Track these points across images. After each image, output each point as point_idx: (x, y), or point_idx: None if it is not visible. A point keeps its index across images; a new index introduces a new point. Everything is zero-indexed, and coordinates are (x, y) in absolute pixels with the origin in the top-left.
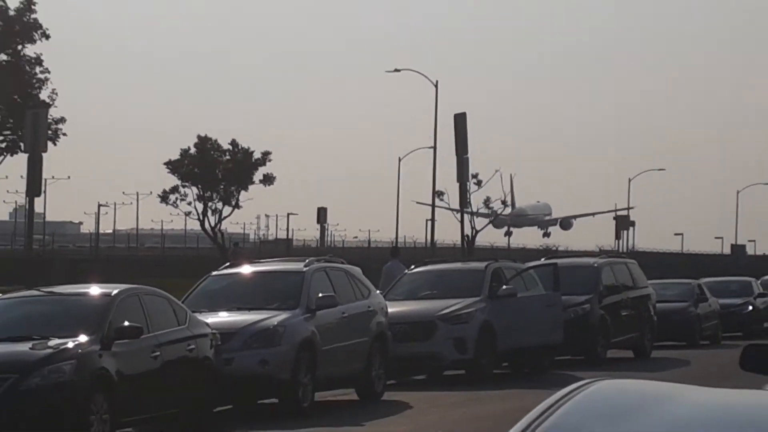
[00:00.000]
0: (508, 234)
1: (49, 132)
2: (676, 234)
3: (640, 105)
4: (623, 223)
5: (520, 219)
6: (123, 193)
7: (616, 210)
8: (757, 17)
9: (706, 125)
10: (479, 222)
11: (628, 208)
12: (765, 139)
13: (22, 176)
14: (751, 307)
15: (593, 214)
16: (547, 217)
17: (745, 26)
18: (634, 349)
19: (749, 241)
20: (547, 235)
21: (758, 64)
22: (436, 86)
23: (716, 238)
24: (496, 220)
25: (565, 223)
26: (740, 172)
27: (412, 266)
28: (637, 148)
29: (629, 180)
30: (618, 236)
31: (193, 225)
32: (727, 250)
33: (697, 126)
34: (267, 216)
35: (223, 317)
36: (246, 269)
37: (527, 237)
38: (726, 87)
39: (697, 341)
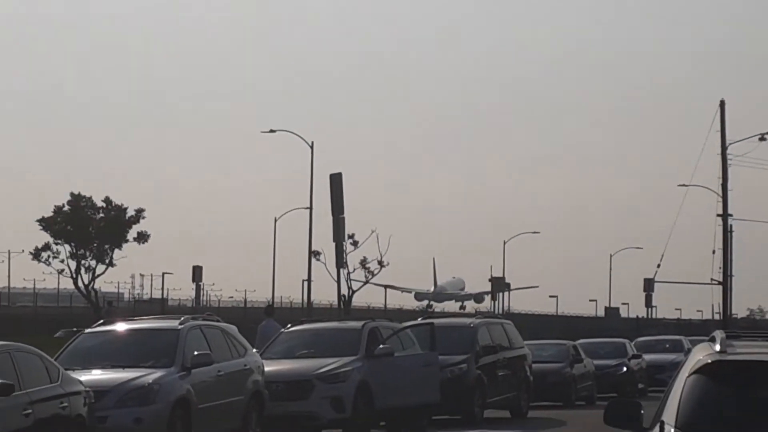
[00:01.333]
0: (429, 307)
1: None
2: (551, 296)
3: (514, 167)
4: (499, 285)
5: (440, 296)
6: None
7: (527, 288)
8: (631, 89)
9: (580, 189)
10: (356, 282)
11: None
12: (636, 205)
13: None
14: (625, 368)
15: (509, 290)
16: (463, 292)
17: (618, 98)
18: (510, 409)
19: (623, 303)
20: (463, 308)
21: (630, 132)
22: (311, 147)
23: (590, 300)
24: (418, 296)
25: (479, 298)
26: (613, 236)
27: (288, 325)
28: (512, 211)
29: (504, 242)
30: (494, 298)
31: (67, 283)
32: (601, 313)
33: (571, 190)
34: (142, 275)
35: (96, 375)
36: (120, 327)
37: (404, 299)
38: (600, 152)
39: (572, 401)
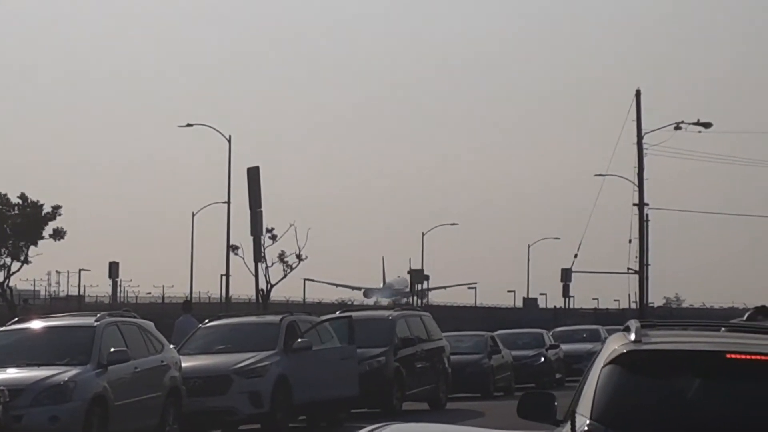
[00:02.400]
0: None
1: None
2: (469, 287)
3: (432, 158)
4: (417, 276)
5: (387, 292)
6: None
7: (468, 284)
8: (547, 80)
9: (498, 181)
10: (274, 276)
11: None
12: (554, 195)
13: None
14: (543, 359)
15: (445, 287)
16: (407, 289)
17: (535, 89)
18: (429, 401)
19: (541, 294)
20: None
21: (547, 123)
22: (229, 141)
23: (509, 291)
24: (365, 291)
25: (423, 295)
26: (531, 226)
27: (206, 320)
28: (430, 203)
29: (423, 234)
30: (413, 290)
31: None
32: (519, 304)
33: (490, 182)
34: (58, 272)
35: (11, 373)
36: (36, 324)
37: (324, 292)
38: (517, 143)
39: (490, 393)
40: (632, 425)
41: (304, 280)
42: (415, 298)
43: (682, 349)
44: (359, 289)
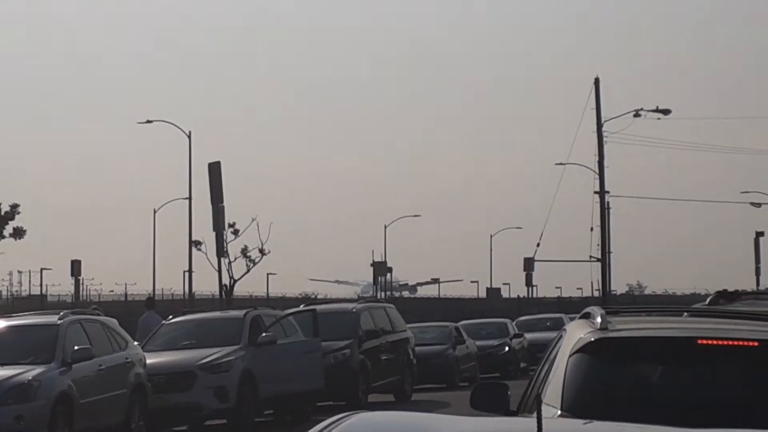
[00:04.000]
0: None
1: None
2: (432, 279)
3: (392, 148)
4: (381, 269)
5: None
6: None
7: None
8: (506, 67)
9: (459, 172)
10: (237, 271)
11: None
12: (516, 185)
13: None
14: (507, 348)
15: (436, 281)
16: (401, 283)
17: (494, 77)
18: (394, 393)
19: (504, 284)
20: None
21: (507, 112)
22: (189, 137)
23: (472, 282)
24: (364, 287)
25: (413, 289)
26: (492, 216)
27: (170, 316)
28: (391, 194)
29: (385, 227)
30: (375, 282)
31: None
32: (483, 294)
33: (451, 172)
34: (19, 272)
35: None
36: None
37: (287, 286)
38: (477, 132)
39: (456, 383)
40: (603, 415)
41: (268, 274)
42: (378, 289)
43: (653, 336)
44: (359, 284)
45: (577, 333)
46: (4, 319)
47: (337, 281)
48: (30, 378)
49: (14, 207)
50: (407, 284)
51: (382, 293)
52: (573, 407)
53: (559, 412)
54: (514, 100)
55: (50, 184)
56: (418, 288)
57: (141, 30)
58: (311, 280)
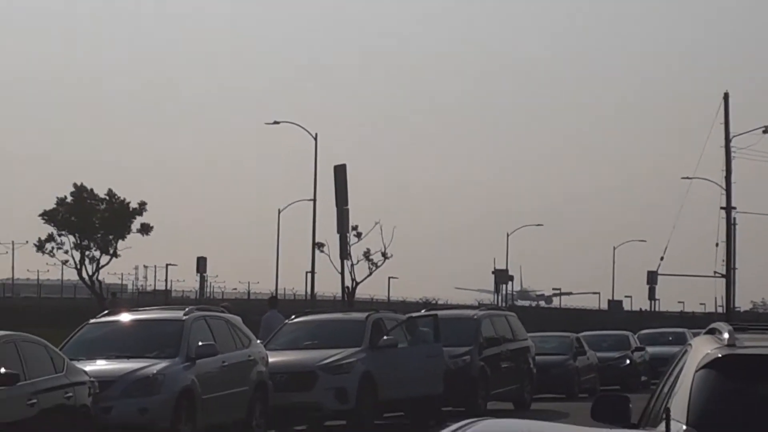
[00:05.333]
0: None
1: None
2: (554, 289)
3: (517, 159)
4: (502, 276)
5: (523, 294)
6: None
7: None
8: (634, 82)
9: (583, 182)
10: (359, 274)
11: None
12: (640, 198)
13: None
14: (628, 361)
15: (570, 293)
16: (538, 293)
17: (621, 92)
18: (513, 401)
19: (626, 296)
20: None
21: (634, 125)
22: (315, 139)
23: (594, 293)
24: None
25: (548, 300)
26: (616, 228)
27: (293, 316)
28: (515, 204)
29: (507, 235)
30: (497, 290)
31: (71, 275)
32: (604, 306)
33: (574, 183)
34: (145, 266)
35: (101, 365)
36: (125, 317)
37: (408, 290)
38: (604, 145)
39: (575, 394)
40: (729, 431)
41: (389, 278)
42: (499, 297)
43: None
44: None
45: (704, 348)
46: (130, 313)
47: (480, 290)
48: (155, 372)
49: (142, 204)
50: (543, 294)
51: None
52: (699, 422)
53: (684, 426)
54: (643, 113)
55: (178, 182)
56: (553, 299)
57: (269, 32)
58: (457, 288)
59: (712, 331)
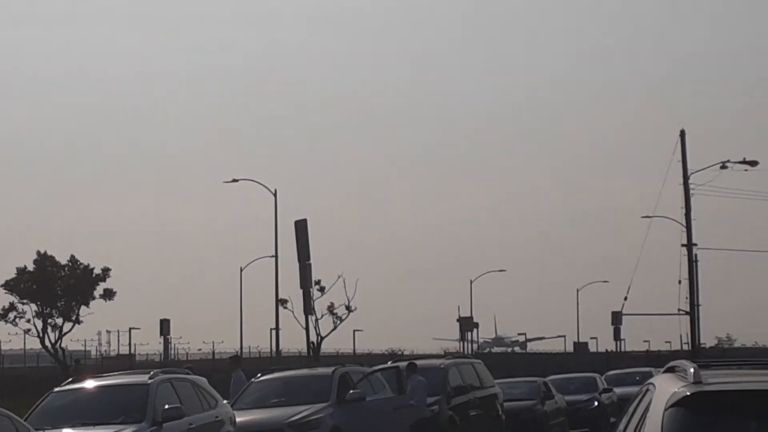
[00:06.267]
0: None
1: None
2: (519, 333)
3: (477, 206)
4: (467, 324)
5: (498, 341)
6: None
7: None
8: (592, 122)
9: (544, 225)
10: (324, 328)
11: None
12: (602, 238)
13: None
14: (596, 403)
15: (542, 338)
16: (512, 340)
17: (578, 132)
18: None
19: (591, 338)
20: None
21: (592, 166)
22: (275, 195)
23: (558, 336)
24: (482, 344)
25: (523, 346)
26: (579, 270)
27: (258, 374)
28: (477, 251)
29: (471, 282)
30: (462, 337)
31: (33, 344)
32: (570, 348)
33: (535, 227)
34: (108, 332)
35: None
36: (89, 384)
37: (373, 342)
38: (562, 188)
39: None
40: None
41: (354, 331)
42: (465, 345)
43: (750, 389)
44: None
45: (669, 387)
46: (94, 379)
47: (459, 339)
48: None
49: (106, 270)
50: (518, 341)
51: (470, 349)
52: None
53: None
54: (600, 153)
55: (138, 245)
56: (528, 344)
57: (225, 91)
58: (435, 339)
59: (672, 369)
